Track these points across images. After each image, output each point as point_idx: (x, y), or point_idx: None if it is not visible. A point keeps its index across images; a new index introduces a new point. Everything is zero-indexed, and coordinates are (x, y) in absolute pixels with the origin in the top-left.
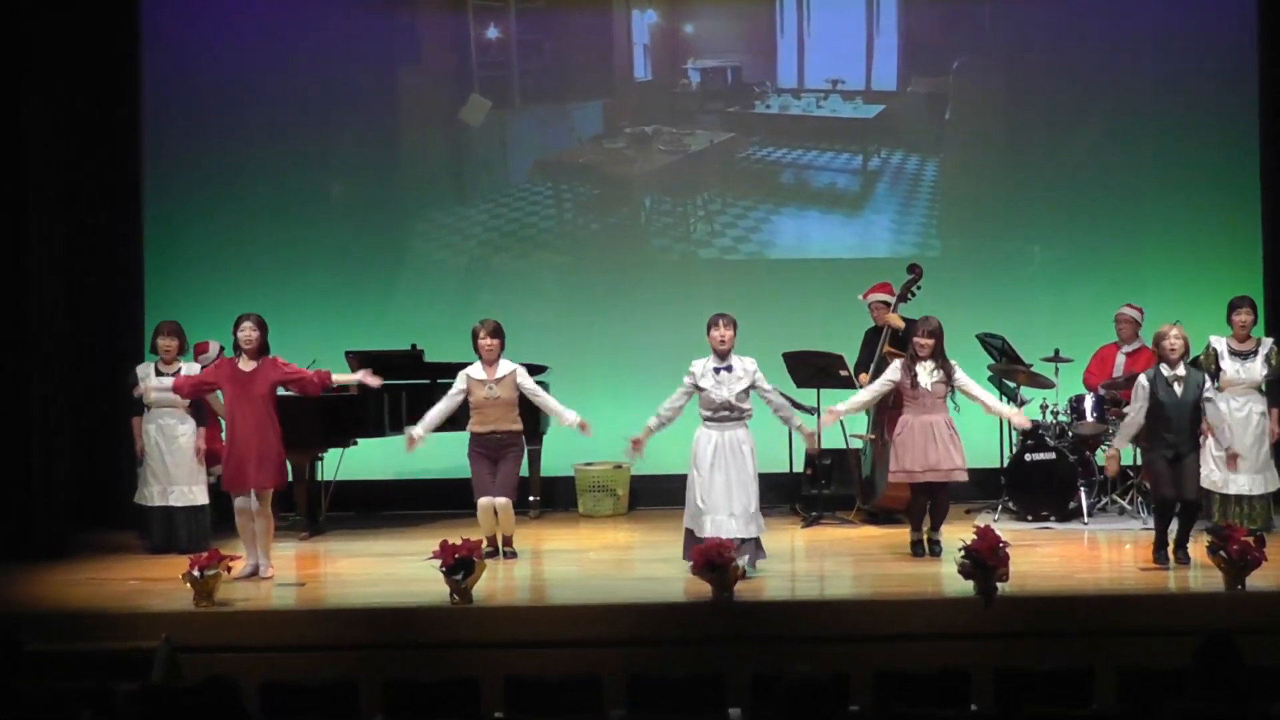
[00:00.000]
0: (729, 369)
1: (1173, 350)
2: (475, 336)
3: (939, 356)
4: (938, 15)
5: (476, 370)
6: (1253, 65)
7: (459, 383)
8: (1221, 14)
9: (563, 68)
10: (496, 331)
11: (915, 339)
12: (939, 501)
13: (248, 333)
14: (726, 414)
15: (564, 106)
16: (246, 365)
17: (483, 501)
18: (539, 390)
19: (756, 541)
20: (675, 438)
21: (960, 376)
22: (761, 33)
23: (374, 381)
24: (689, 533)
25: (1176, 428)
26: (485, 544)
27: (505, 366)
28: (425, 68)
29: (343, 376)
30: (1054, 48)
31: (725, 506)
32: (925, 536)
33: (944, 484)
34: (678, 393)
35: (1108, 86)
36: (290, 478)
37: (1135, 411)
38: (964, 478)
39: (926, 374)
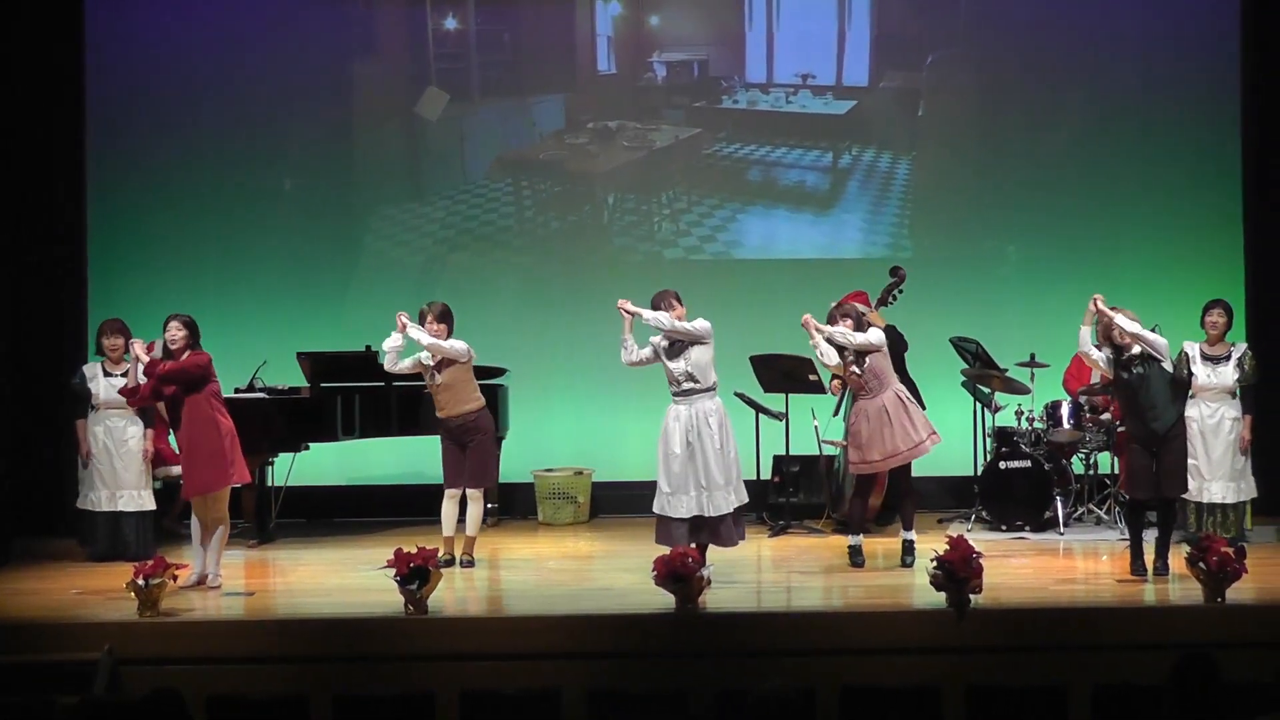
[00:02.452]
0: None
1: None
2: (422, 320)
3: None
4: (911, 9)
5: (427, 357)
6: (1234, 63)
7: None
8: (1203, 10)
9: (523, 60)
10: (444, 315)
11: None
12: (907, 493)
13: (173, 333)
14: (692, 385)
15: (524, 100)
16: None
17: (448, 493)
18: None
19: (736, 517)
20: (638, 444)
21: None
22: (729, 25)
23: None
24: (660, 519)
25: (1136, 415)
26: (442, 549)
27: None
28: (380, 59)
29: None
30: (1030, 43)
31: (697, 482)
32: (862, 543)
33: (907, 473)
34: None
35: (1085, 83)
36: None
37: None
38: (928, 449)
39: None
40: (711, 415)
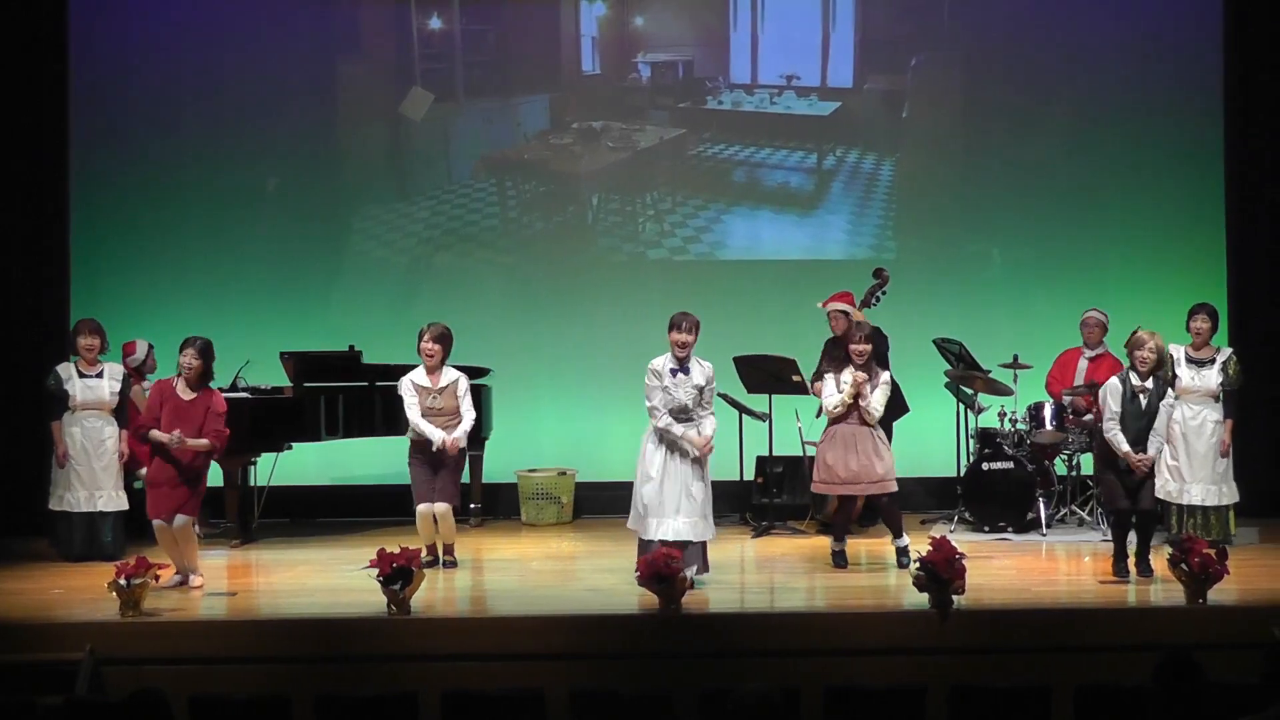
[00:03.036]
0: (686, 372)
1: (1143, 363)
2: (420, 338)
3: (870, 364)
4: (896, 11)
5: (420, 376)
6: (1217, 67)
7: (407, 394)
8: (1186, 14)
9: (508, 60)
10: (441, 337)
11: (851, 344)
12: (886, 509)
13: (189, 359)
14: (682, 416)
15: (509, 100)
16: (185, 393)
17: (422, 508)
18: (469, 408)
19: (703, 548)
20: (621, 444)
21: (876, 390)
22: (714, 26)
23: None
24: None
25: (1134, 440)
26: (425, 553)
27: (449, 374)
28: (365, 58)
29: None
30: (1015, 46)
31: (674, 508)
32: (843, 548)
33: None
34: (655, 397)
35: (1070, 86)
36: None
37: (1113, 421)
38: (888, 489)
39: (849, 378)
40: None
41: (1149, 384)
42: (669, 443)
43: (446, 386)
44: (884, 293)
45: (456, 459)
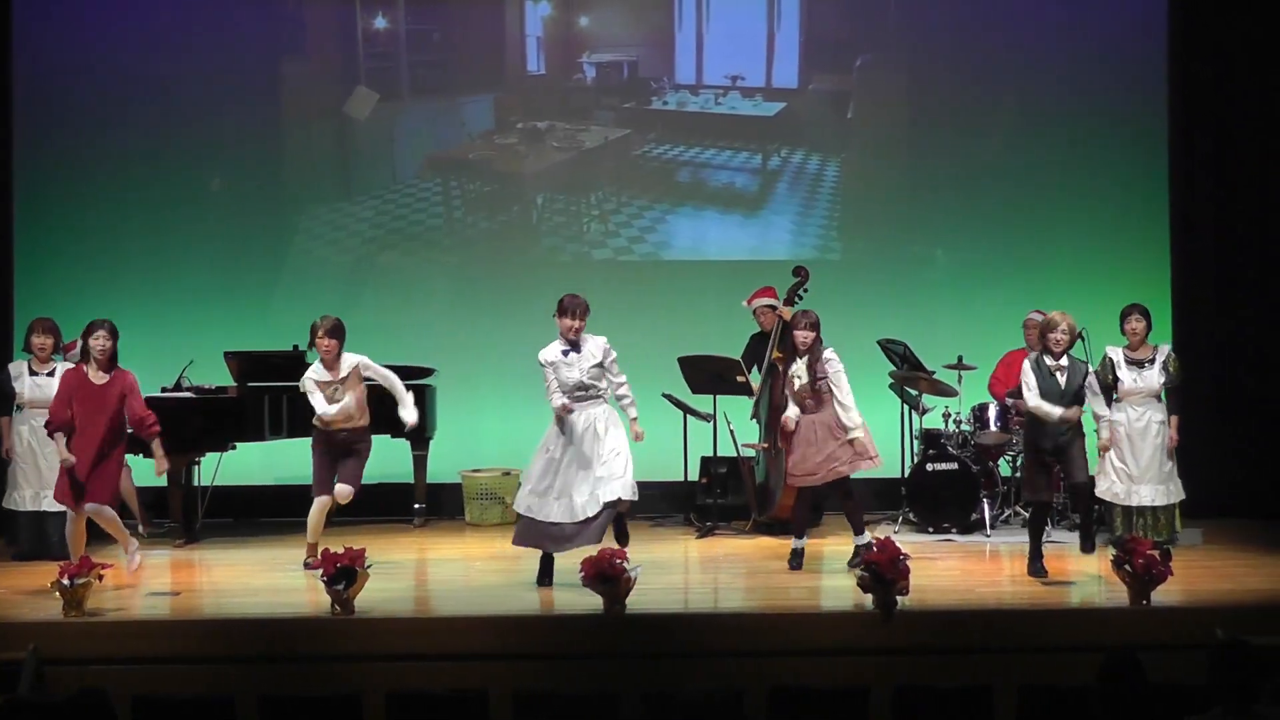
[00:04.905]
0: (578, 350)
1: (1058, 344)
2: (313, 334)
3: (814, 353)
4: (840, 11)
5: (319, 372)
6: (1162, 69)
7: (311, 392)
8: (1130, 15)
9: (453, 60)
10: (335, 330)
11: (795, 331)
12: (847, 503)
13: (102, 341)
14: (581, 394)
15: (454, 100)
16: (97, 377)
17: (321, 501)
18: (386, 373)
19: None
20: None
21: (832, 373)
22: (659, 26)
23: (160, 467)
24: (526, 520)
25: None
26: (306, 553)
27: (347, 361)
28: (309, 58)
29: (156, 449)
30: (960, 46)
31: (581, 488)
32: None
33: (841, 483)
34: (550, 386)
35: (1015, 88)
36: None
37: (1034, 393)
38: (846, 472)
39: (802, 370)
40: (599, 420)
41: (1063, 361)
42: (573, 422)
43: (347, 376)
44: (805, 290)
45: (362, 450)
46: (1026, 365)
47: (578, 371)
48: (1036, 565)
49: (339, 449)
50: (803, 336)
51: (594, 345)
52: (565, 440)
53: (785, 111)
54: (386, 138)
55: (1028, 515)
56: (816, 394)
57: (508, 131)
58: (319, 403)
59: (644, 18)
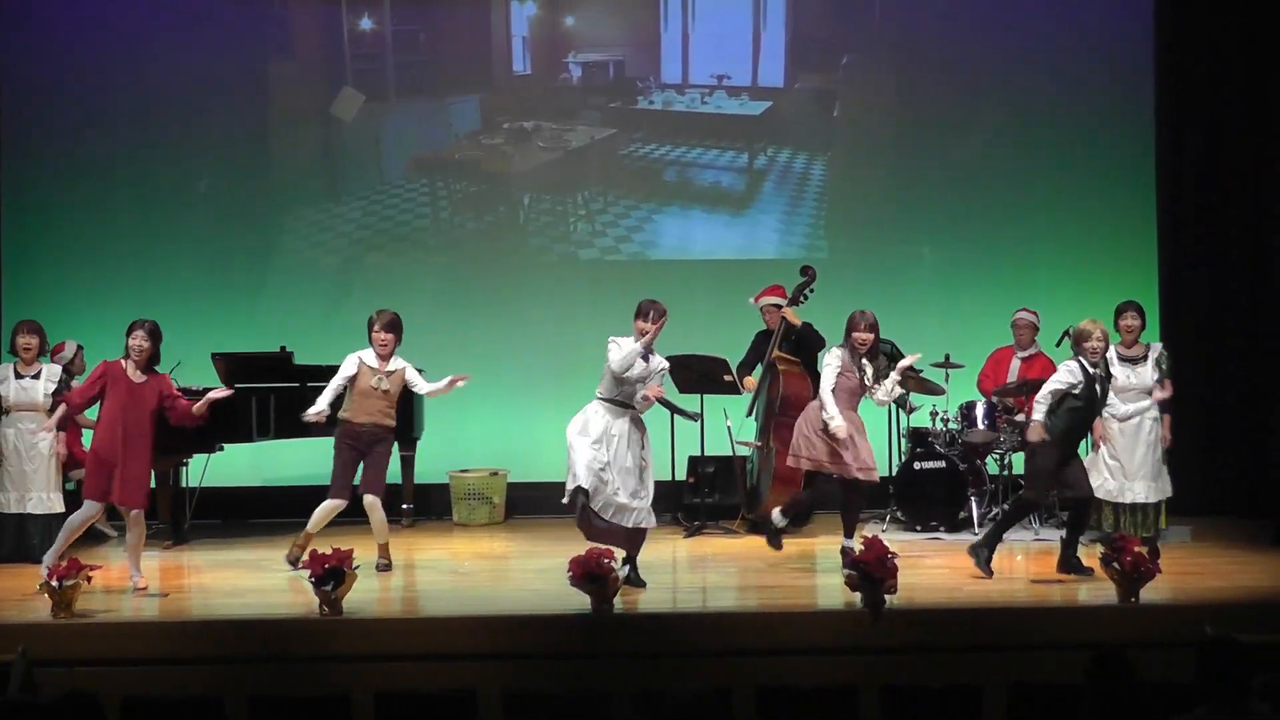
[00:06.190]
0: (648, 359)
1: (1094, 352)
2: (370, 326)
3: (874, 354)
4: (826, 10)
5: (370, 356)
6: (1149, 66)
7: (348, 365)
8: (1117, 13)
9: (439, 60)
10: (392, 326)
11: (855, 333)
12: (851, 503)
13: (139, 341)
14: (631, 405)
15: (441, 101)
16: (136, 375)
17: (334, 504)
18: (423, 385)
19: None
20: (552, 445)
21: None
22: (645, 26)
23: (220, 394)
24: (588, 510)
25: (1087, 429)
26: (296, 545)
27: (397, 361)
28: (296, 59)
29: (201, 406)
30: (945, 46)
31: (636, 491)
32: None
33: (855, 484)
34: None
35: (1000, 86)
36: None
37: (1061, 384)
38: (873, 479)
39: (870, 370)
40: (640, 431)
41: (1097, 370)
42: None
43: (394, 372)
44: (811, 290)
45: (384, 450)
46: (1075, 367)
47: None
48: (988, 555)
49: (363, 444)
50: (862, 338)
51: (659, 362)
52: (617, 441)
53: (771, 111)
54: (373, 139)
55: (1012, 508)
56: (859, 395)
57: (494, 132)
58: (329, 391)
59: (630, 18)
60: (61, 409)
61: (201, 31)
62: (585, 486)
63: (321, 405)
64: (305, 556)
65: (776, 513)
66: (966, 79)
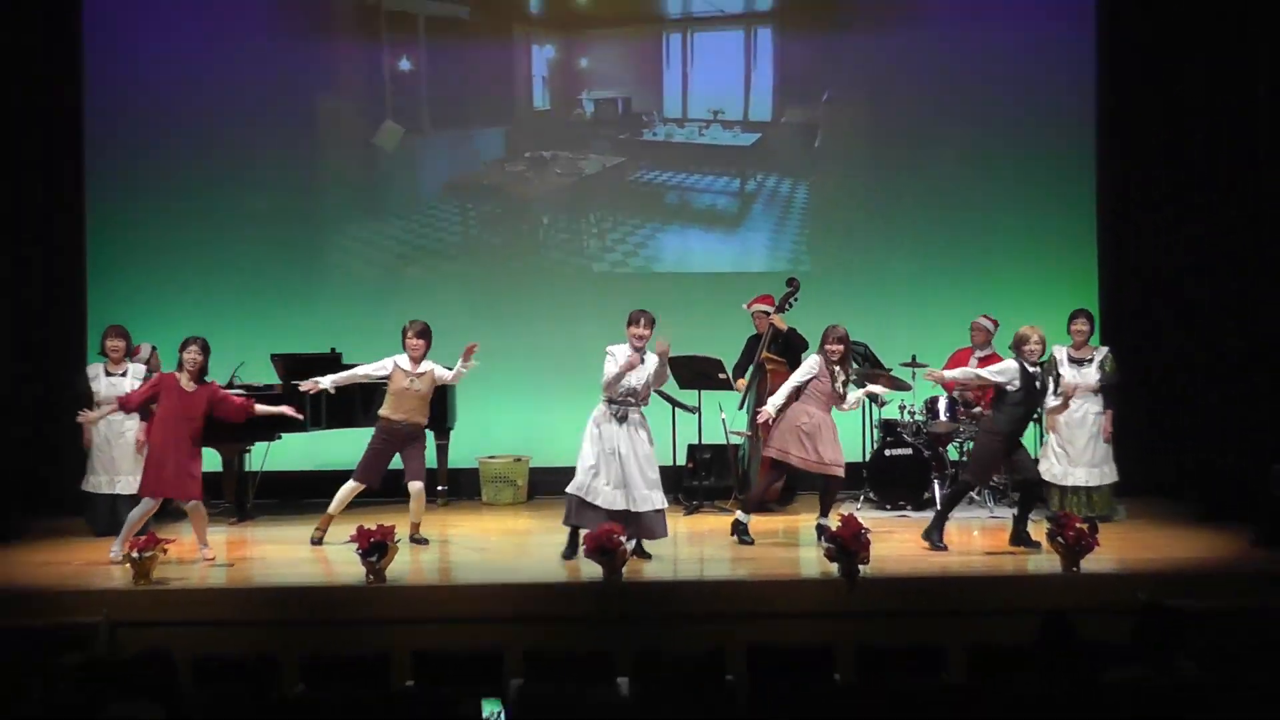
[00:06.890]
0: (644, 359)
1: (1032, 354)
2: (404, 335)
3: (845, 362)
4: (809, 52)
5: (404, 361)
6: (1091, 102)
7: (383, 367)
8: (1064, 51)
9: (468, 97)
10: (423, 333)
11: (827, 345)
12: (828, 488)
13: (193, 355)
14: (630, 401)
15: (469, 132)
16: (188, 385)
17: (355, 486)
18: (447, 373)
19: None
20: (568, 433)
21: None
22: (649, 67)
23: (293, 412)
24: (582, 504)
25: (1028, 421)
26: (317, 531)
27: (426, 364)
28: (342, 94)
29: (265, 409)
30: (912, 84)
31: (640, 481)
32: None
33: (832, 475)
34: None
35: (962, 119)
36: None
37: (996, 377)
38: (837, 474)
39: (841, 377)
40: (640, 427)
41: (1035, 370)
42: (617, 425)
43: (424, 374)
44: (796, 299)
45: (420, 442)
46: (1013, 365)
47: (635, 380)
48: (938, 535)
49: (399, 439)
50: (832, 349)
51: (652, 361)
52: (617, 440)
53: (760, 141)
54: (410, 165)
55: (951, 490)
56: (833, 399)
57: (516, 160)
58: (345, 374)
59: (636, 59)
60: (113, 406)
61: (260, 70)
62: (572, 491)
63: (325, 383)
64: (317, 532)
65: (740, 513)
66: (931, 112)
